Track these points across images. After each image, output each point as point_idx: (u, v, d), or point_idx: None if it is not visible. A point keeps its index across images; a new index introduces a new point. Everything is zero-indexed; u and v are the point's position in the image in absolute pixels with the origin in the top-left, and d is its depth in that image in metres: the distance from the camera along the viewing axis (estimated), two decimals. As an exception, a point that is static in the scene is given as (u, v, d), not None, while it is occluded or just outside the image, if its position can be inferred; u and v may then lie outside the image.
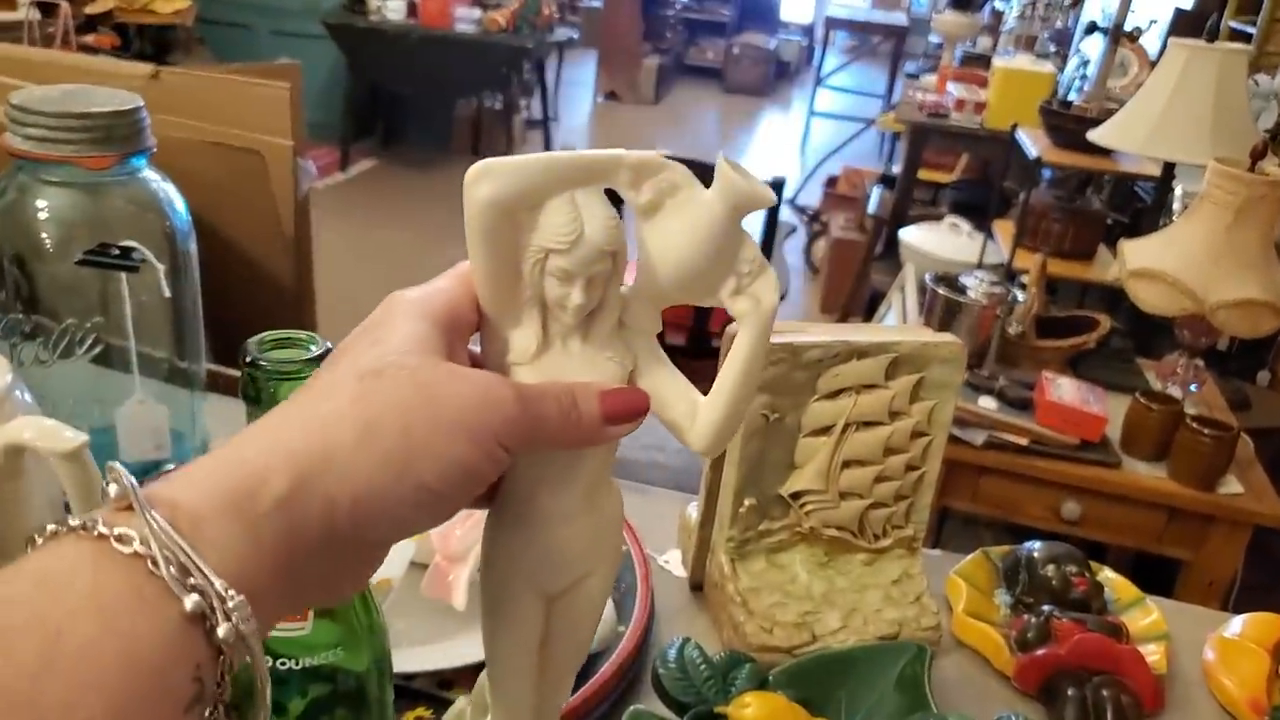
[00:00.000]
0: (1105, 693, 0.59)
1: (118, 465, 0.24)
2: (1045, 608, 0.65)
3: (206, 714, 0.23)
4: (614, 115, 6.33)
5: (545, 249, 0.28)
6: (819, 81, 6.00)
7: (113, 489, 0.24)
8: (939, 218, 2.74)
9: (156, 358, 0.67)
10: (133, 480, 0.23)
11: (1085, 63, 2.84)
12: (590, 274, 0.29)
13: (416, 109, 4.78)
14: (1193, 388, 1.51)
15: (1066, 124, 2.12)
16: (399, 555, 0.60)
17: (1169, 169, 1.80)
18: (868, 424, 0.59)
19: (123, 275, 0.62)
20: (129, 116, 0.61)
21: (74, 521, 0.23)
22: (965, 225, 2.58)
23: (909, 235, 2.65)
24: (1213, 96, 1.57)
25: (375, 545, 0.28)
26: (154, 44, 3.66)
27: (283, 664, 0.36)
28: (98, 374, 0.65)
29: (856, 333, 0.59)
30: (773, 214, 1.85)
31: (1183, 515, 1.38)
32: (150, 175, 0.65)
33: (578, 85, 6.52)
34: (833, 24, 6.13)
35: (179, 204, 0.66)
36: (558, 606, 0.34)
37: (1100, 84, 2.27)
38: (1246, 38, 2.67)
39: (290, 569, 0.25)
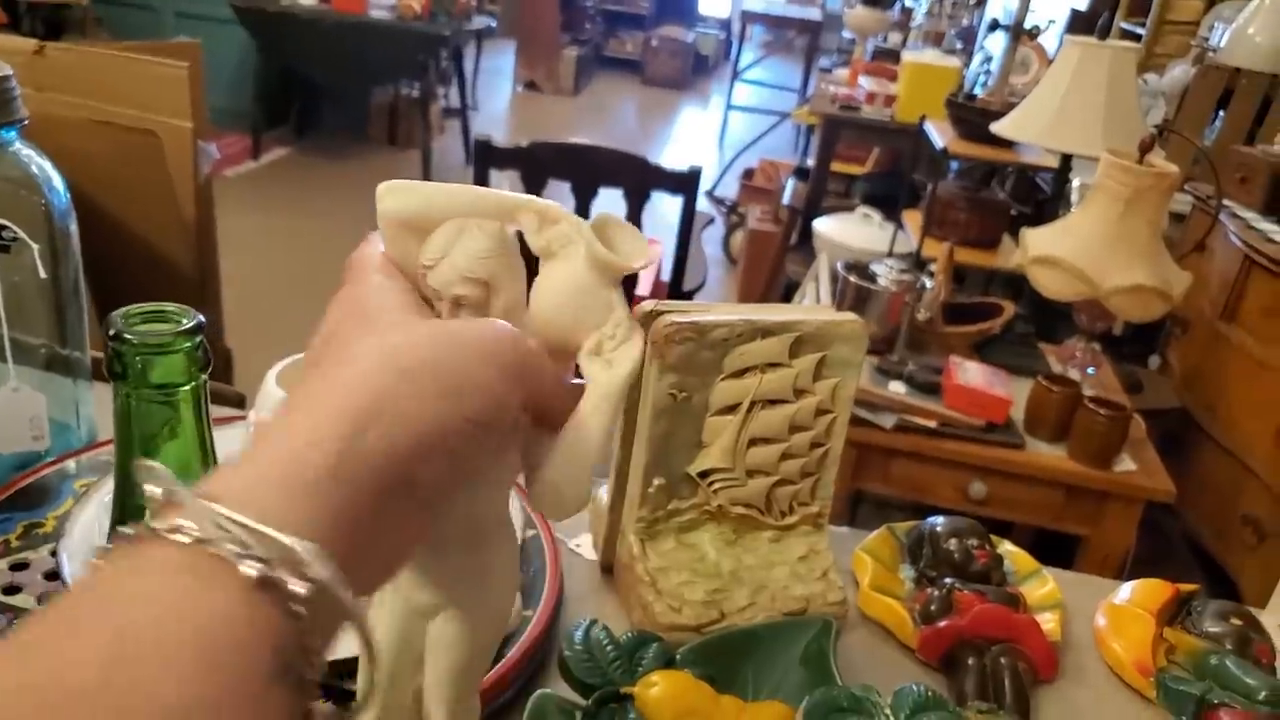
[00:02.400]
0: (1003, 661, 0.61)
1: (156, 464, 0.23)
2: (948, 580, 0.66)
3: (302, 688, 0.22)
4: (533, 105, 6.27)
5: (421, 265, 0.30)
6: (736, 75, 6.05)
7: (153, 489, 0.23)
8: (851, 209, 2.80)
9: (33, 344, 0.63)
10: (172, 477, 0.23)
11: (989, 59, 2.93)
12: (452, 296, 0.30)
13: (331, 96, 4.65)
14: (1090, 370, 1.58)
15: (971, 116, 2.19)
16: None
17: (1066, 161, 1.88)
18: (773, 402, 0.60)
19: (-9, 255, 0.58)
20: (-4, 86, 0.57)
21: (127, 530, 0.22)
22: (876, 216, 2.64)
23: (822, 226, 2.70)
24: (1104, 92, 1.64)
25: (437, 492, 0.26)
26: (46, 24, 3.47)
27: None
28: (-34, 361, 0.60)
29: (761, 312, 0.59)
30: (690, 205, 1.87)
31: (1081, 493, 1.44)
32: (23, 150, 0.61)
33: (496, 75, 6.44)
34: (749, 18, 6.19)
35: (57, 181, 0.63)
36: (430, 636, 0.33)
37: (1003, 79, 2.35)
38: (1137, 38, 2.80)
39: (354, 537, 0.24)
